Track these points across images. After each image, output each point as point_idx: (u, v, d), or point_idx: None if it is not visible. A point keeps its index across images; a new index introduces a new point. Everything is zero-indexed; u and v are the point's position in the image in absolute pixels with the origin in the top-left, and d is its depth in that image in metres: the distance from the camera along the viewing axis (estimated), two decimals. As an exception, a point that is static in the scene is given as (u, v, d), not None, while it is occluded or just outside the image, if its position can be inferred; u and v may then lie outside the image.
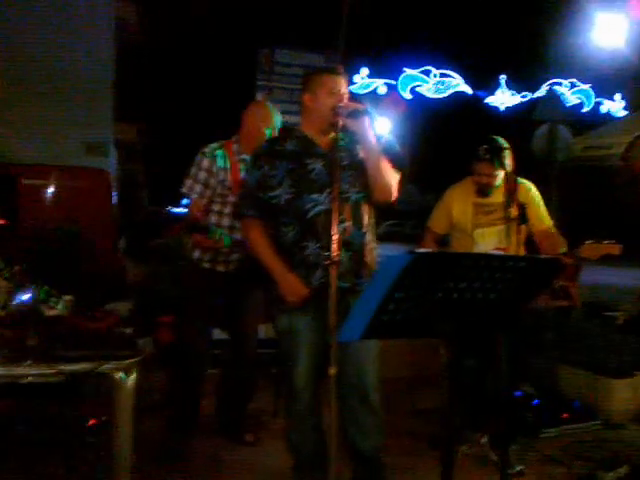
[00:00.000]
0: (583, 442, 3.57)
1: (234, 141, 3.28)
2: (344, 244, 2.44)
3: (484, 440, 3.45)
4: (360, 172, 2.58)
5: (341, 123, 2.49)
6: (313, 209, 2.50)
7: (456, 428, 1.90)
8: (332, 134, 2.57)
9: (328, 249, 2.30)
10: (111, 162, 11.52)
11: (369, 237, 2.61)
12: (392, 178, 2.59)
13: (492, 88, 14.65)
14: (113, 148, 12.29)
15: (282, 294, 2.53)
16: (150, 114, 16.00)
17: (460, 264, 1.65)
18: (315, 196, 2.50)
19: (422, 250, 1.58)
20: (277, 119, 3.24)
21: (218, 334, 3.99)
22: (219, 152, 3.22)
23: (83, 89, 10.70)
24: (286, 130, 2.76)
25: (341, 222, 2.46)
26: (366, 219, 2.61)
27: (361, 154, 2.59)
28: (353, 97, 2.68)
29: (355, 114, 2.47)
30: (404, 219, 22.90)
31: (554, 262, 1.95)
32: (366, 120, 2.48)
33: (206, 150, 3.23)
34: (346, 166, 2.56)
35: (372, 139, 2.51)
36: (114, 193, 9.72)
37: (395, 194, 2.61)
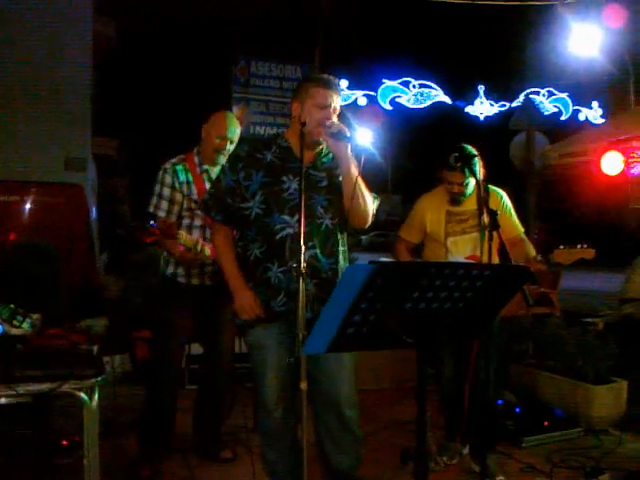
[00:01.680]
0: (565, 450, 3.55)
1: (195, 153, 3.25)
2: (311, 271, 2.33)
3: (465, 451, 3.42)
4: (337, 195, 2.47)
5: (324, 141, 2.40)
6: (282, 231, 2.40)
7: (426, 440, 1.85)
8: (316, 149, 2.49)
9: (291, 274, 2.23)
10: (90, 177, 11.43)
11: (341, 265, 2.50)
12: (369, 205, 2.48)
13: (471, 98, 14.78)
14: (92, 163, 12.20)
15: (236, 308, 2.47)
16: (131, 128, 15.94)
17: (425, 273, 1.61)
18: (286, 217, 2.40)
19: (385, 259, 1.55)
20: (234, 129, 3.19)
21: (196, 349, 3.94)
22: (178, 167, 3.18)
23: (61, 104, 10.62)
24: (272, 136, 2.63)
25: (310, 248, 2.38)
26: (339, 247, 2.50)
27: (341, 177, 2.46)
28: (344, 113, 2.57)
29: (339, 135, 2.36)
30: (388, 229, 23.00)
31: (520, 269, 1.92)
32: (348, 145, 2.38)
33: (167, 166, 3.19)
34: (324, 188, 2.47)
35: (351, 165, 2.40)
36: (93, 208, 9.63)
37: (370, 221, 2.51)
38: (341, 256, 2.51)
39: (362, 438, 2.59)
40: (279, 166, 2.46)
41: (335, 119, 2.44)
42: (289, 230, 2.39)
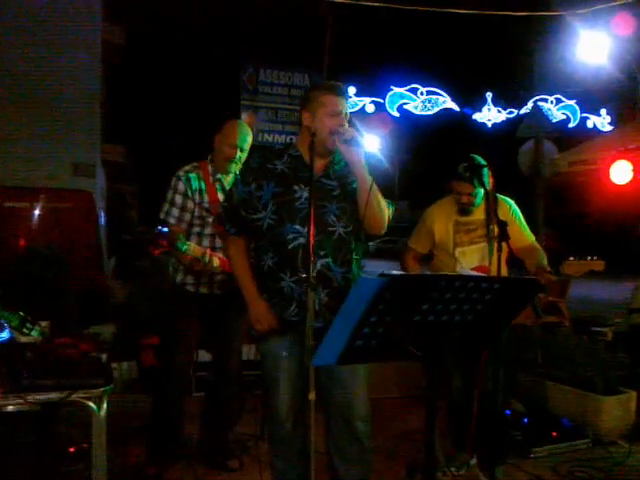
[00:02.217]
0: (573, 461, 3.52)
1: (208, 161, 3.27)
2: (322, 280, 2.33)
3: (473, 461, 3.40)
4: (350, 203, 2.45)
5: (337, 147, 2.39)
6: (294, 241, 2.39)
7: (434, 453, 1.84)
8: (328, 158, 2.48)
9: (303, 284, 2.23)
10: (98, 183, 11.52)
11: (354, 273, 2.48)
12: (384, 212, 2.46)
13: (479, 105, 14.74)
14: (101, 169, 12.29)
15: (251, 319, 2.47)
16: (139, 134, 16.03)
17: (435, 286, 1.61)
18: (298, 227, 2.39)
19: (395, 272, 1.54)
20: (245, 138, 3.20)
21: (203, 356, 3.94)
22: (192, 175, 3.20)
23: (71, 111, 10.70)
24: (284, 146, 2.63)
25: (322, 257, 2.37)
26: (352, 255, 2.48)
27: (355, 184, 2.45)
28: (352, 120, 2.55)
29: (352, 142, 2.35)
30: (395, 235, 22.96)
31: (530, 282, 1.91)
32: (360, 151, 2.37)
33: (180, 173, 3.21)
34: (336, 197, 2.45)
35: (365, 171, 2.39)
36: (101, 214, 9.69)
37: (384, 228, 2.49)
38: (354, 264, 2.50)
39: (371, 450, 2.56)
40: (290, 176, 2.45)
41: (347, 125, 2.44)
42: (301, 240, 2.38)
